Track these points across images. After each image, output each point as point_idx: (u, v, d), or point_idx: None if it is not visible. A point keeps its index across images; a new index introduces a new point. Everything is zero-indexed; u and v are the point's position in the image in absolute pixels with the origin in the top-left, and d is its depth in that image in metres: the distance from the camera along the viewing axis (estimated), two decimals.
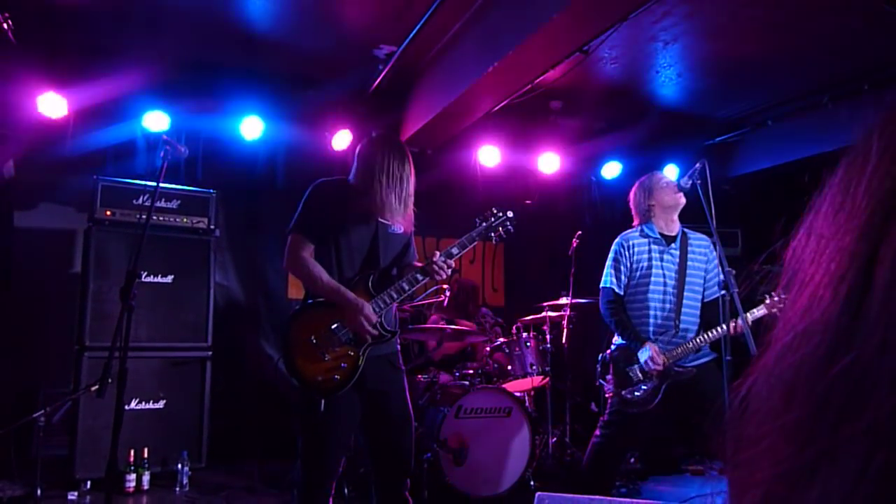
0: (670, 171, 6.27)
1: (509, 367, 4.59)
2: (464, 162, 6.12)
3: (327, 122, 5.46)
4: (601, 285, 3.63)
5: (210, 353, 4.61)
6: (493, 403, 4.29)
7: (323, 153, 5.54)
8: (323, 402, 2.63)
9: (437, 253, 2.75)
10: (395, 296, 2.70)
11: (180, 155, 3.07)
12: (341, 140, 5.46)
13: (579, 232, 4.94)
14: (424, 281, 2.74)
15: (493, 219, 2.91)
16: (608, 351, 3.63)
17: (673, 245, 3.57)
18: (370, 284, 2.73)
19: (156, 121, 4.96)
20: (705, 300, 3.59)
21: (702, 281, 3.57)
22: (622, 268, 3.57)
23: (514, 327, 4.98)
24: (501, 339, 4.81)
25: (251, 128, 5.21)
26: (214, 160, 5.35)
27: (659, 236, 3.57)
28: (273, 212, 5.50)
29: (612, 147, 6.33)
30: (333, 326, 2.65)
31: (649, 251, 3.55)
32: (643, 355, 3.38)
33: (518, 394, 4.52)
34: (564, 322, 4.98)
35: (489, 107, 5.02)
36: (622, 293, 3.58)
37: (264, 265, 5.68)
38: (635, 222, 3.67)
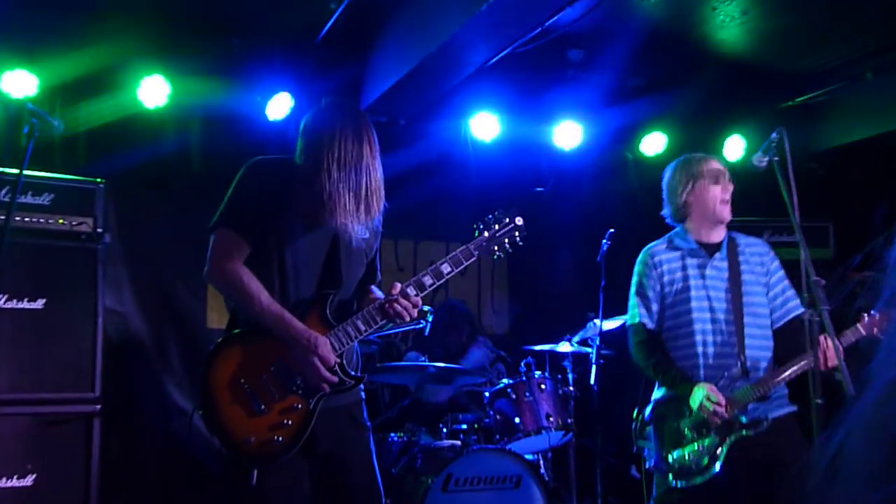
0: (735, 145, 6.30)
1: (517, 420, 4.59)
2: (450, 135, 6.11)
3: (260, 83, 5.44)
4: (627, 322, 3.69)
5: (98, 406, 4.56)
6: (496, 471, 4.28)
7: (254, 124, 5.51)
8: (256, 472, 2.62)
9: (398, 285, 2.76)
10: (352, 333, 2.71)
11: (53, 131, 3.06)
12: (279, 106, 5.44)
13: (611, 230, 4.95)
14: (382, 323, 2.76)
15: (496, 226, 2.94)
16: (648, 406, 3.66)
17: (718, 255, 3.62)
18: (328, 310, 2.72)
19: (18, 83, 4.91)
20: (775, 326, 3.61)
21: (764, 300, 3.61)
22: (651, 294, 3.62)
23: (522, 364, 4.98)
24: (506, 381, 4.80)
25: (154, 91, 5.18)
26: (102, 138, 5.31)
27: (696, 246, 3.62)
28: (185, 207, 5.46)
29: (654, 113, 6.36)
30: (273, 368, 2.64)
31: (684, 267, 3.60)
32: (696, 399, 3.38)
33: (530, 456, 4.51)
34: (593, 355, 4.98)
35: (483, 59, 5.02)
36: (656, 328, 3.63)
37: (174, 282, 5.64)
38: (666, 212, 3.73)
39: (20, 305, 4.48)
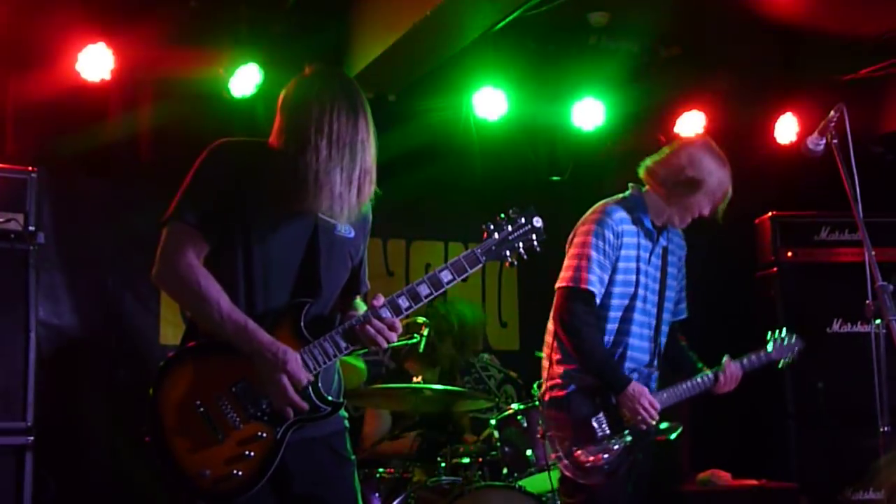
0: (787, 125, 6.29)
1: (529, 452, 4.59)
2: (449, 114, 6.10)
3: (221, 53, 5.43)
4: (570, 284, 3.74)
5: (31, 437, 4.56)
6: None
7: (216, 102, 5.51)
8: None
9: (381, 298, 2.75)
10: (330, 351, 2.71)
11: None
12: (245, 80, 5.43)
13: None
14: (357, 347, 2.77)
15: (509, 227, 2.92)
16: (552, 386, 3.81)
17: (661, 240, 3.91)
18: (302, 322, 2.72)
19: None
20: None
21: (675, 295, 4.02)
22: (607, 263, 3.75)
23: (535, 385, 4.97)
24: (516, 406, 4.80)
25: (96, 63, 5.17)
26: (35, 118, 5.31)
27: (651, 227, 3.84)
28: (134, 200, 5.46)
29: (691, 87, 6.36)
30: (235, 388, 2.65)
31: (638, 246, 3.81)
32: (629, 397, 3.64)
33: (545, 496, 4.51)
34: None
35: (488, 23, 5.02)
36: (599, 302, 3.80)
37: (121, 290, 5.64)
38: (651, 185, 3.84)
39: None
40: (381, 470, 4.72)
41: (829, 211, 5.91)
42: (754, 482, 5.61)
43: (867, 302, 3.26)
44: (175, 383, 2.66)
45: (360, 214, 2.84)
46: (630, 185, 3.95)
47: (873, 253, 3.10)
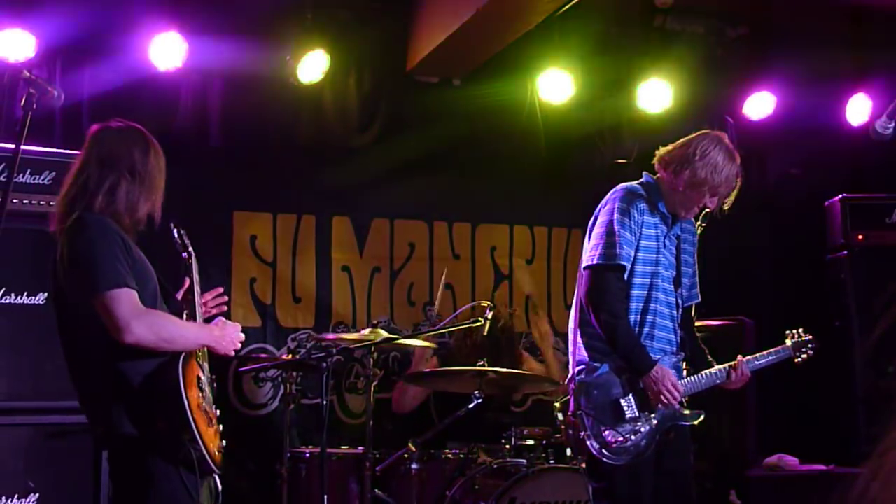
0: (859, 106, 6.18)
1: None
2: (513, 97, 6.10)
3: (288, 40, 5.48)
4: (600, 261, 3.81)
5: None
6: (569, 494, 4.30)
7: (284, 88, 5.56)
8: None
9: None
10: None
11: (53, 101, 3.13)
12: (313, 66, 5.48)
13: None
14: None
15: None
16: (582, 366, 3.85)
17: (676, 228, 4.02)
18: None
19: (13, 46, 5.00)
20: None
21: (689, 281, 4.09)
22: (633, 239, 3.83)
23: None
24: None
25: (168, 51, 5.24)
26: (109, 108, 5.37)
27: (666, 212, 3.93)
28: (203, 183, 5.52)
29: (761, 68, 6.26)
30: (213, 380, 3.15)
31: (656, 227, 3.93)
32: (655, 379, 3.69)
33: None
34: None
35: (553, 7, 5.00)
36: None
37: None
38: (662, 172, 3.90)
39: (18, 301, 4.56)
40: (445, 450, 4.76)
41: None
42: (822, 467, 5.55)
43: None
44: (188, 379, 3.00)
45: None
46: (644, 172, 4.03)
47: None
